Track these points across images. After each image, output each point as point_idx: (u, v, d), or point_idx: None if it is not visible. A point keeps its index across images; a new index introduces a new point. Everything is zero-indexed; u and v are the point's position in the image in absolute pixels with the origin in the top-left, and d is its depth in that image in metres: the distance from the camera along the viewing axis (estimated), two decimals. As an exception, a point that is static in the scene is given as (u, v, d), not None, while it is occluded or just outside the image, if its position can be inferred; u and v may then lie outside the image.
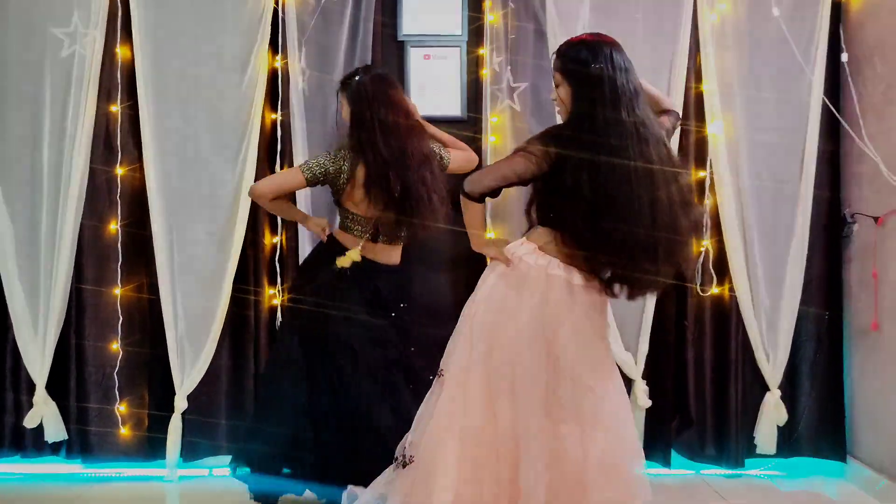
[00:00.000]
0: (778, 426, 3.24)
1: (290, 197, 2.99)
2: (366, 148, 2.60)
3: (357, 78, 2.71)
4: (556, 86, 2.23)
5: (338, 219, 2.83)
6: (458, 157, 2.89)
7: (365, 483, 2.40)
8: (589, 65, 2.10)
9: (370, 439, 2.53)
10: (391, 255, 2.80)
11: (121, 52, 3.13)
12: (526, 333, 2.13)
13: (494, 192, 2.20)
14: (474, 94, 3.26)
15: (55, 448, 3.18)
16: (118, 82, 3.13)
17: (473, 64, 3.27)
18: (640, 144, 2.05)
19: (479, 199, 2.19)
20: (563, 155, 2.07)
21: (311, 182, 2.67)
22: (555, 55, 2.25)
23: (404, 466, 2.21)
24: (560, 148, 2.08)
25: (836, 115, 3.21)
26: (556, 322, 2.13)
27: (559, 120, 2.40)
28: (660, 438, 3.28)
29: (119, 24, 3.11)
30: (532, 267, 2.15)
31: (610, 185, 2.02)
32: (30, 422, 3.08)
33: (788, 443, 3.30)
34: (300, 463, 2.63)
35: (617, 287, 2.17)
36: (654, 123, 2.14)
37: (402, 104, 2.69)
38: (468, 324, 2.21)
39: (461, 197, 2.21)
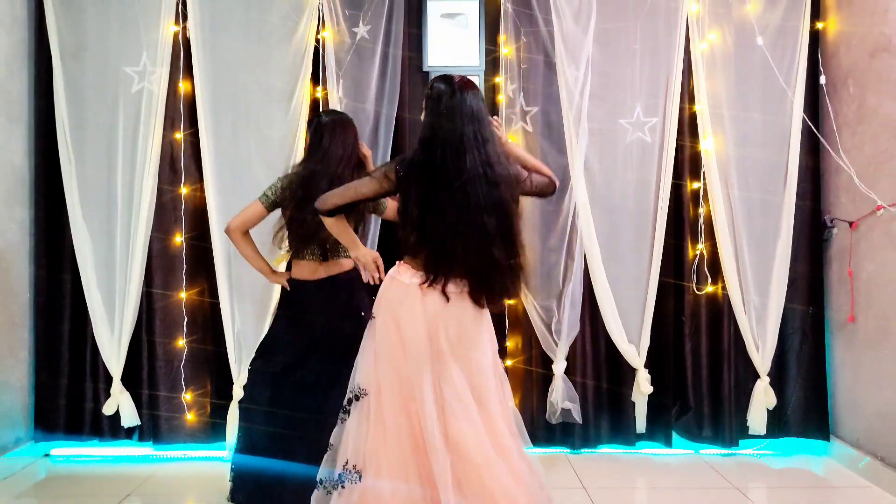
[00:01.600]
0: (768, 410, 3.49)
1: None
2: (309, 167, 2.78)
3: (321, 117, 2.87)
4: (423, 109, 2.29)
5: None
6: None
7: None
8: (441, 100, 2.21)
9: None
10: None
11: (183, 86, 3.49)
12: (414, 341, 2.22)
13: (343, 209, 2.30)
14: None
15: (129, 433, 3.52)
16: (181, 113, 3.49)
17: (490, 91, 3.59)
18: (476, 179, 2.14)
19: (329, 214, 2.29)
20: (401, 176, 2.22)
21: (271, 207, 2.80)
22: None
23: (343, 487, 2.20)
24: (401, 170, 2.23)
25: (815, 131, 3.50)
26: (434, 327, 2.22)
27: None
28: (661, 421, 3.55)
29: (181, 63, 3.47)
30: (407, 285, 2.24)
31: (436, 207, 2.16)
32: (108, 409, 3.43)
33: (778, 425, 3.55)
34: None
35: (476, 296, 2.26)
36: (503, 166, 2.22)
37: (347, 139, 2.80)
38: (372, 343, 2.28)
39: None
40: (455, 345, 2.23)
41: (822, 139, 3.51)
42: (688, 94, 3.53)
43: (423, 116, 2.27)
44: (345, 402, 2.32)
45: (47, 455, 3.56)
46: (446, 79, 2.26)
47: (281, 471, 2.65)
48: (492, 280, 2.23)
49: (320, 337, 2.78)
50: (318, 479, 2.28)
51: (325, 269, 2.83)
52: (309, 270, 2.83)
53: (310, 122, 2.96)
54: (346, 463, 2.21)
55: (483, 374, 2.27)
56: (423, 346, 2.21)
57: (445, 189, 2.16)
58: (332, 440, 2.30)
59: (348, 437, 2.25)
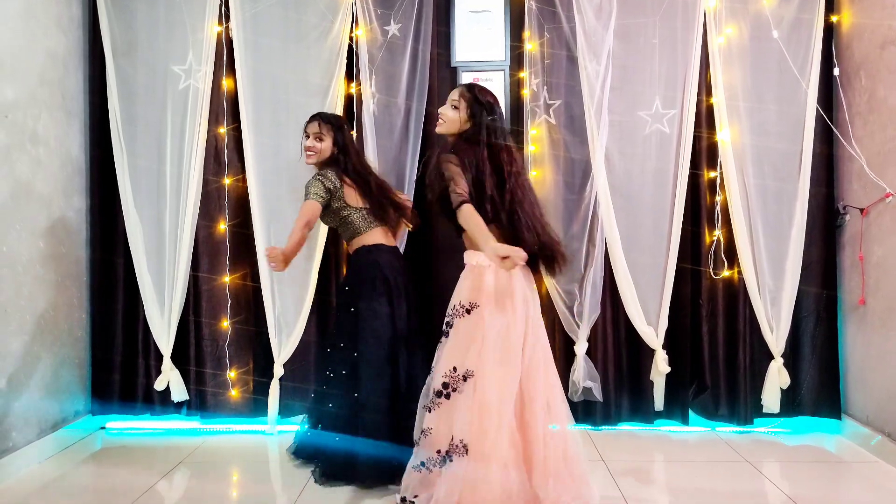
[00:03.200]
0: (782, 389, 3.58)
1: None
2: (348, 162, 3.17)
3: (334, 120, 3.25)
4: (454, 107, 2.74)
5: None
6: None
7: None
8: (493, 111, 2.73)
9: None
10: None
11: (226, 83, 3.66)
12: (520, 323, 2.57)
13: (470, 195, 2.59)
14: (516, 110, 3.69)
15: (178, 407, 3.71)
16: (224, 108, 3.65)
17: (515, 85, 3.71)
18: (515, 172, 2.65)
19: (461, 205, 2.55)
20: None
21: (325, 203, 3.07)
22: (465, 87, 2.78)
23: (450, 461, 2.46)
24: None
25: (828, 121, 3.58)
26: (526, 302, 2.62)
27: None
28: (679, 400, 3.66)
29: (225, 61, 3.64)
30: (490, 267, 2.58)
31: (507, 194, 2.61)
32: (159, 385, 3.63)
33: (791, 403, 3.64)
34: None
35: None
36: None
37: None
38: (478, 329, 2.54)
39: (461, 212, 2.54)
40: (534, 309, 2.65)
41: (834, 129, 3.59)
42: (705, 87, 3.61)
43: (471, 115, 2.70)
44: (440, 387, 2.55)
45: (103, 428, 3.76)
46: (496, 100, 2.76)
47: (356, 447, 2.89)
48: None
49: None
50: (419, 462, 2.55)
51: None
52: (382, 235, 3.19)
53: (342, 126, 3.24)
54: (453, 439, 2.46)
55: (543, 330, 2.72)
56: (523, 316, 2.56)
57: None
58: (425, 425, 2.56)
59: (455, 415, 2.49)
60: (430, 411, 2.56)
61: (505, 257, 2.36)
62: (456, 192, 2.52)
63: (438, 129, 2.79)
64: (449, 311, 2.65)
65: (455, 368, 2.53)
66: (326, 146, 3.18)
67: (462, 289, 2.63)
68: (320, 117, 3.23)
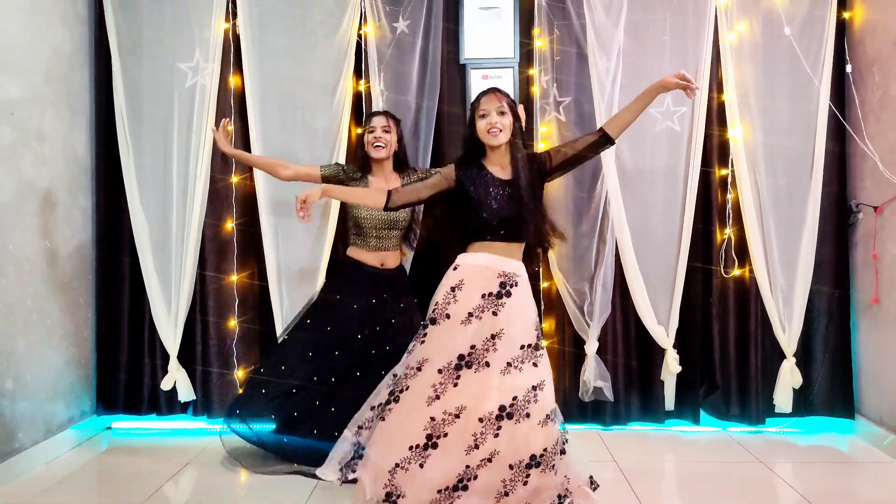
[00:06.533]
0: (794, 389, 3.56)
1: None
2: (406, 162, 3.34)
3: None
4: (502, 113, 2.61)
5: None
6: None
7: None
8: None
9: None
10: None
11: (233, 81, 3.64)
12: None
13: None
14: (526, 107, 3.61)
15: (185, 407, 3.69)
16: (231, 105, 3.64)
17: (525, 82, 3.68)
18: None
19: None
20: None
21: (327, 178, 3.20)
22: (496, 90, 2.67)
23: None
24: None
25: (841, 119, 3.56)
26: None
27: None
28: (690, 400, 3.64)
29: (232, 58, 3.62)
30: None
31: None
32: (165, 385, 3.60)
33: (803, 403, 3.61)
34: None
35: None
36: None
37: None
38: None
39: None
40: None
41: (847, 126, 3.56)
42: (716, 84, 3.59)
43: (515, 117, 2.66)
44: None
45: (109, 428, 3.73)
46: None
47: None
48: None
49: None
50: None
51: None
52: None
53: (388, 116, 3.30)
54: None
55: None
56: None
57: None
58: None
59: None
60: None
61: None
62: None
63: (498, 140, 2.61)
64: None
65: None
66: (393, 140, 3.23)
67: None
68: (385, 112, 3.29)
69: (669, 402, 3.64)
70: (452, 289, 2.56)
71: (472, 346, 2.50)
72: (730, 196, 3.61)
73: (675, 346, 3.61)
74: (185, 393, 3.62)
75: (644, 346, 3.67)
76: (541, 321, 3.64)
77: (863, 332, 3.58)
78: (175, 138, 3.62)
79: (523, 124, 2.75)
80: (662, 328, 3.60)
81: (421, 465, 2.43)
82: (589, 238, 3.60)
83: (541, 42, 3.63)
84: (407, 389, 2.51)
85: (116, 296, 3.69)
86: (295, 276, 3.61)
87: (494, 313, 2.52)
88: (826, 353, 3.63)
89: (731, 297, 3.63)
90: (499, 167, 2.65)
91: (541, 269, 3.63)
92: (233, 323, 3.67)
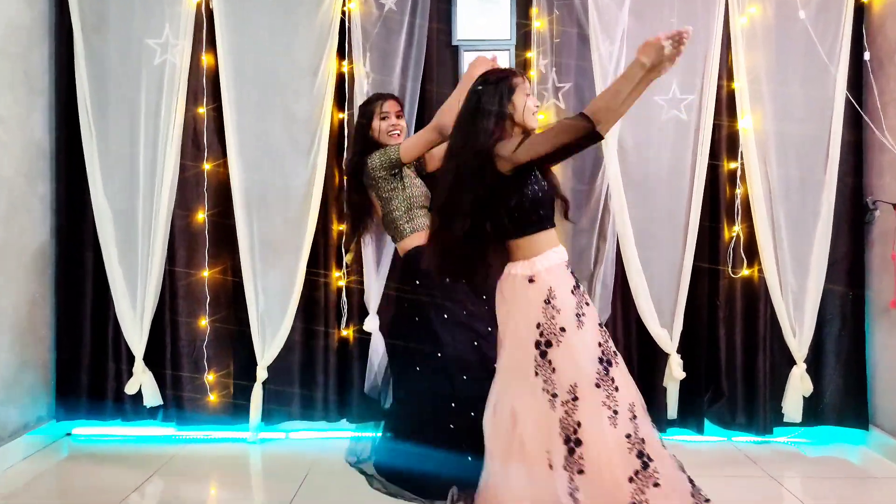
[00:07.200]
0: (804, 397, 3.43)
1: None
2: None
3: None
4: (529, 94, 2.26)
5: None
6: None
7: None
8: None
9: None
10: None
11: (206, 59, 3.44)
12: None
13: None
14: None
15: (152, 412, 3.51)
16: (204, 87, 3.45)
17: (521, 66, 3.51)
18: None
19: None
20: None
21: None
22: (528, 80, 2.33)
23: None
24: None
25: (859, 109, 3.40)
26: None
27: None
28: (694, 408, 3.50)
29: (204, 35, 3.42)
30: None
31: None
32: (130, 389, 3.42)
33: (814, 412, 3.49)
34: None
35: None
36: None
37: None
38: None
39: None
40: None
41: (865, 117, 3.41)
42: (726, 70, 3.45)
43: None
44: None
45: (69, 434, 3.56)
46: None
47: None
48: None
49: None
50: None
51: None
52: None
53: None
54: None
55: None
56: None
57: None
58: None
59: None
60: None
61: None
62: None
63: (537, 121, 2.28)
64: None
65: None
66: (404, 127, 3.00)
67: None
68: (393, 96, 3.05)
69: (672, 410, 3.51)
70: (547, 301, 2.18)
71: (599, 344, 2.18)
72: (739, 191, 3.47)
73: (678, 351, 3.47)
74: (152, 397, 3.44)
75: (646, 350, 3.53)
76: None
77: (878, 337, 3.43)
78: (142, 121, 3.42)
79: None
80: (666, 331, 3.47)
81: (656, 485, 2.08)
82: (588, 234, 3.46)
83: (539, 23, 3.46)
84: (580, 427, 2.11)
85: (77, 292, 3.50)
86: (272, 270, 3.43)
87: (587, 304, 2.23)
88: (839, 359, 3.50)
89: (739, 299, 3.50)
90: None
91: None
92: (204, 322, 3.49)
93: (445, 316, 2.58)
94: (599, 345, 2.17)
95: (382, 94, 3.05)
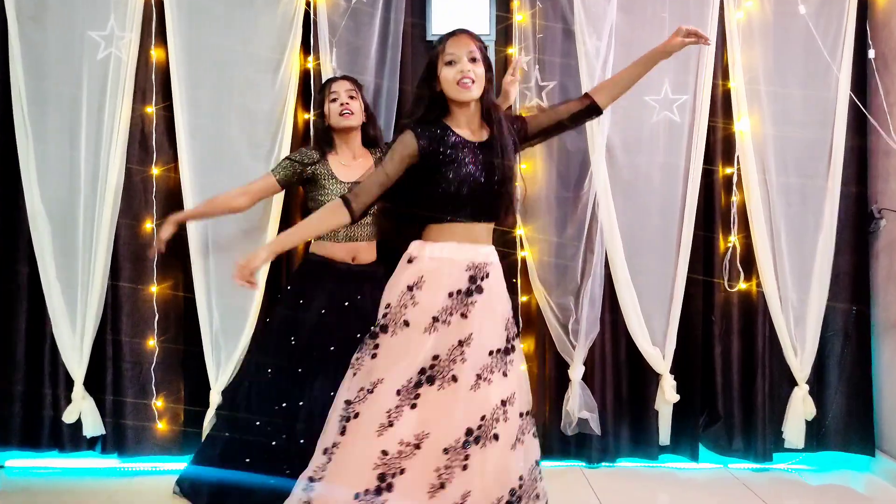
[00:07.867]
0: (806, 420, 3.31)
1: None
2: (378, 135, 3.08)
3: None
4: (473, 60, 2.17)
5: None
6: None
7: None
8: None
9: None
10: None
11: (156, 54, 3.21)
12: None
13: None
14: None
15: (92, 443, 3.28)
16: (153, 84, 3.22)
17: (502, 63, 3.34)
18: None
19: None
20: None
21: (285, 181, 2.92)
22: (479, 41, 2.23)
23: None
24: None
25: (864, 110, 3.28)
26: None
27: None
28: (687, 433, 3.37)
29: (154, 27, 3.21)
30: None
31: None
32: (68, 417, 3.17)
33: (816, 437, 3.37)
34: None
35: None
36: None
37: None
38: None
39: None
40: None
41: (870, 119, 3.29)
42: (721, 69, 3.33)
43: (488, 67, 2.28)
44: None
45: (1, 467, 3.32)
46: None
47: None
48: None
49: None
50: None
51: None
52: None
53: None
54: None
55: None
56: None
57: None
58: None
59: None
60: None
61: None
62: None
63: (470, 94, 2.17)
64: None
65: None
66: (360, 108, 2.99)
67: None
68: (345, 76, 3.04)
69: (664, 436, 3.37)
70: (410, 287, 2.14)
71: (436, 357, 2.09)
72: (735, 198, 3.34)
73: (671, 371, 3.32)
74: (92, 426, 3.20)
75: (636, 370, 3.40)
76: (518, 333, 3.29)
77: (885, 356, 3.30)
78: (84, 121, 3.19)
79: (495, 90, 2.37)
80: (658, 350, 3.33)
81: None
82: (575, 245, 3.31)
83: (521, 16, 3.30)
84: (356, 418, 2.09)
85: (10, 311, 3.26)
86: (228, 285, 3.19)
87: (463, 315, 2.12)
88: (842, 379, 3.38)
89: (736, 315, 3.37)
90: (467, 130, 2.23)
91: (519, 281, 3.34)
92: (152, 343, 3.26)
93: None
94: (435, 358, 2.09)
95: (332, 77, 3.01)
